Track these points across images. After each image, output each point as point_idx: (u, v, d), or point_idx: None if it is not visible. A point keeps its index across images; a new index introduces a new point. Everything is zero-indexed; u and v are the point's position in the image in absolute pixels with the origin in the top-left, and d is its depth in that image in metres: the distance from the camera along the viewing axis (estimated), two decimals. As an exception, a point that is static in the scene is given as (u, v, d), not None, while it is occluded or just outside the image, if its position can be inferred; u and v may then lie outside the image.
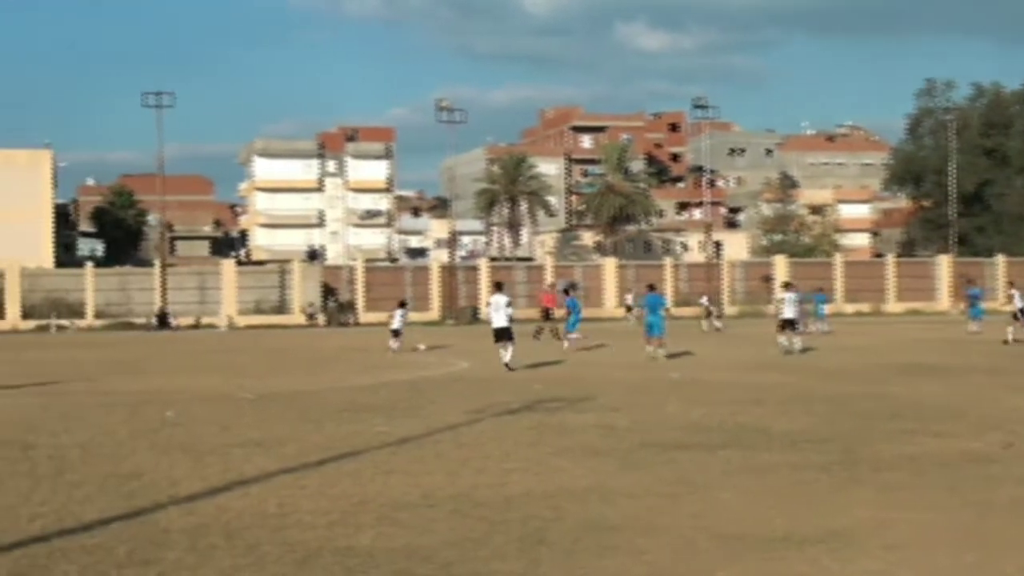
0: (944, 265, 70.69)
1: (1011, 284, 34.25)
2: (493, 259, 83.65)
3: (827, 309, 46.76)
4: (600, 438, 13.72)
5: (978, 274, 71.39)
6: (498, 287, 27.24)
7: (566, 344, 33.23)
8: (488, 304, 26.70)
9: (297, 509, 9.57)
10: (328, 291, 66.05)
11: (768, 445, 12.99)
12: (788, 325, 30.76)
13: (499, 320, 25.48)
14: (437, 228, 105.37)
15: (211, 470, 11.65)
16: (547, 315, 41.61)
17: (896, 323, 52.86)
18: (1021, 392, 19.03)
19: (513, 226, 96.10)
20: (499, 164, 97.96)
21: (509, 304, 25.85)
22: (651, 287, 32.22)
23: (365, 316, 64.25)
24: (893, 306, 68.78)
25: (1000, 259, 73.25)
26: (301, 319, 63.92)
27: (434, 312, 65.35)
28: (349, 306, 65.41)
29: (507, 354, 25.06)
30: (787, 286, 33.01)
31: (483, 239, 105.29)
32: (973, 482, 10.59)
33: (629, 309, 57.67)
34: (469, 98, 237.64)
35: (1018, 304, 31.92)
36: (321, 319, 63.60)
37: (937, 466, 11.48)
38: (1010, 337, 32.27)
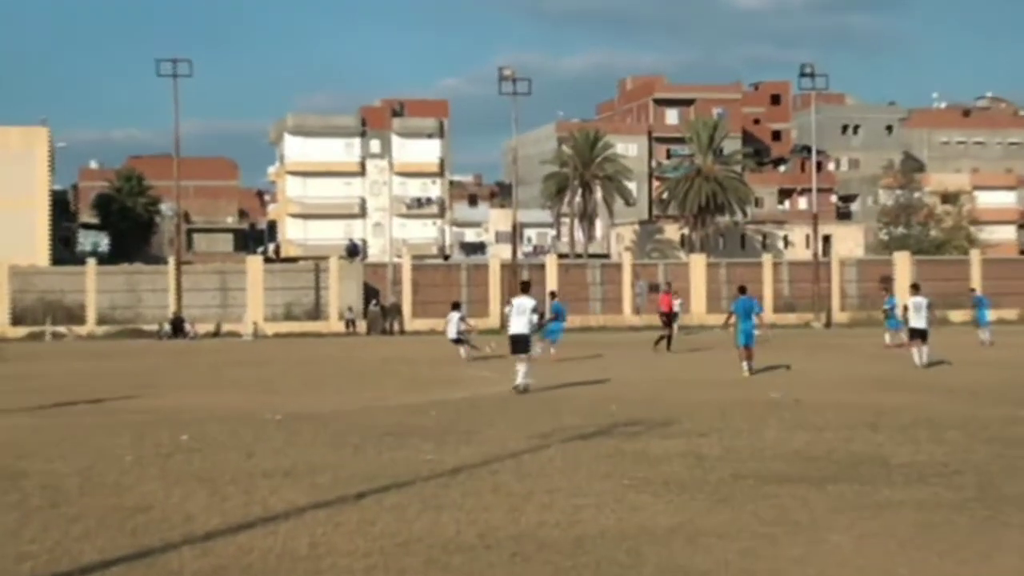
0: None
1: None
2: (562, 256, 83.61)
3: (989, 315, 46.08)
4: (686, 469, 13.63)
5: None
6: (525, 287, 26.35)
7: (539, 349, 32.09)
8: (509, 306, 26.07)
9: (332, 550, 9.61)
10: (370, 293, 66.46)
11: (888, 479, 12.81)
12: (917, 335, 31.05)
13: (518, 326, 24.48)
14: (497, 219, 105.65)
15: (231, 503, 11.73)
16: (667, 321, 41.41)
17: (1044, 333, 51.97)
18: None
19: (586, 217, 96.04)
20: (570, 144, 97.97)
21: (536, 309, 25.03)
22: (742, 289, 32.03)
23: (412, 323, 64.59)
24: (1042, 312, 67.63)
25: None
26: (339, 326, 64.38)
27: (493, 318, 65.43)
28: (394, 310, 65.74)
29: (521, 371, 24.19)
30: (915, 289, 32.83)
31: (551, 232, 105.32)
32: None
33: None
34: (536, 66, 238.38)
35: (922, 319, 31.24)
36: (362, 326, 64.00)
37: (1095, 506, 11.25)
38: None
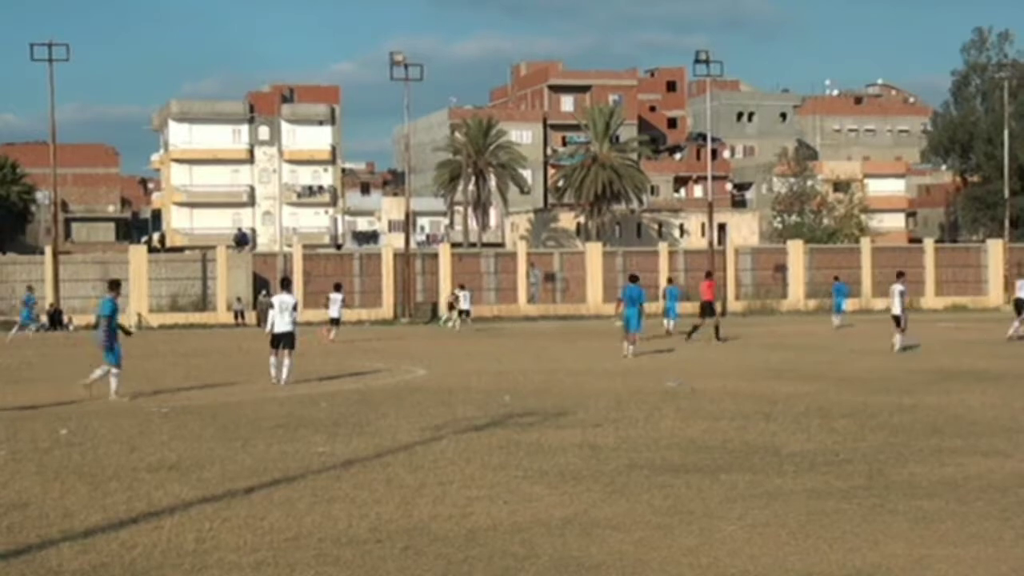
0: (996, 252, 71.02)
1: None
2: (456, 244, 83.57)
3: (847, 305, 48.62)
4: (581, 459, 13.76)
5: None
6: (285, 285, 27.12)
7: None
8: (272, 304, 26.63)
9: (219, 545, 9.55)
10: (260, 284, 65.82)
11: (780, 468, 13.06)
12: (894, 321, 32.28)
13: (281, 324, 24.96)
14: (390, 207, 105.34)
15: (114, 499, 11.60)
16: (707, 310, 39.82)
17: (936, 321, 53.20)
18: (1081, 403, 19.21)
19: (480, 205, 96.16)
20: (464, 131, 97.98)
21: (296, 307, 25.76)
22: (633, 278, 34.11)
23: (304, 313, 64.00)
24: (932, 301, 69.07)
25: (1064, 245, 73.73)
26: (227, 317, 63.67)
27: (386, 308, 65.26)
28: (283, 301, 65.15)
29: (285, 367, 24.53)
30: (900, 276, 34.01)
31: (445, 221, 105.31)
32: (1026, 510, 10.69)
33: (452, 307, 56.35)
34: (429, 51, 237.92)
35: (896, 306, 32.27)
36: (251, 317, 63.37)
37: (985, 491, 11.58)
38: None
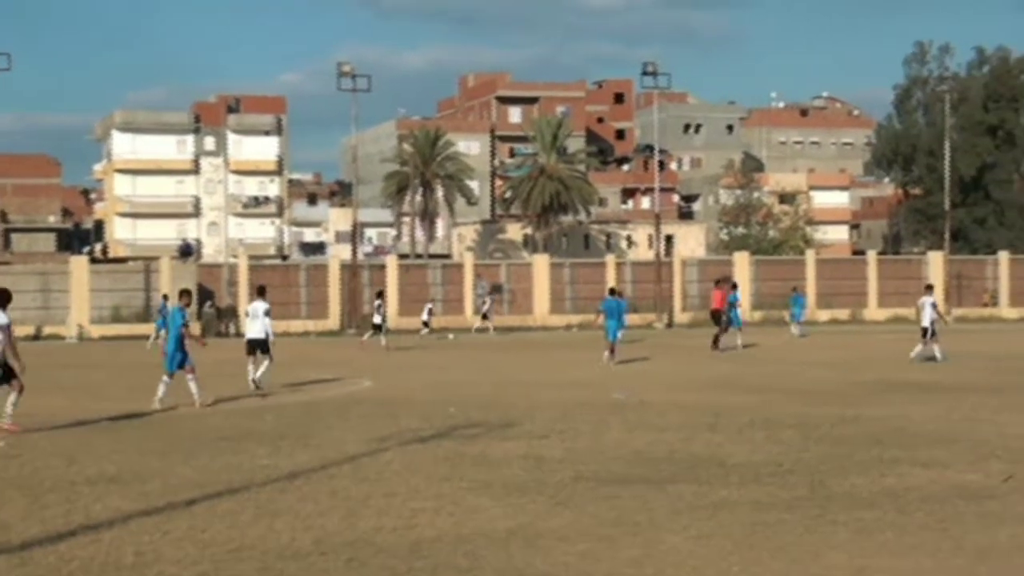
0: (936, 264, 71.76)
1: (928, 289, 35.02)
2: (403, 256, 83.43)
3: (804, 314, 49.57)
4: (526, 471, 13.77)
5: (978, 274, 72.83)
6: (260, 292, 27.21)
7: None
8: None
9: (159, 558, 9.47)
10: (204, 294, 65.35)
11: (725, 479, 13.13)
12: (923, 333, 32.28)
13: (253, 331, 25.86)
14: (337, 219, 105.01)
15: (52, 511, 11.48)
16: (717, 318, 40.18)
17: (878, 332, 53.69)
18: None
19: (427, 216, 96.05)
20: (411, 142, 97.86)
21: (268, 313, 26.12)
22: (612, 291, 36.28)
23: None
24: (875, 312, 69.69)
25: (1003, 257, 74.44)
26: (170, 328, 63.13)
27: (333, 320, 65.01)
28: (230, 312, 64.81)
29: (259, 370, 25.21)
30: (929, 289, 34.55)
31: (392, 232, 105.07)
32: (967, 521, 10.81)
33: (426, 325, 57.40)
34: (376, 62, 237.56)
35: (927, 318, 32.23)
36: (196, 328, 62.93)
37: (924, 502, 11.70)
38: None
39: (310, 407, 21.98)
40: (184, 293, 23.53)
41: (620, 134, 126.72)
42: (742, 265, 69.64)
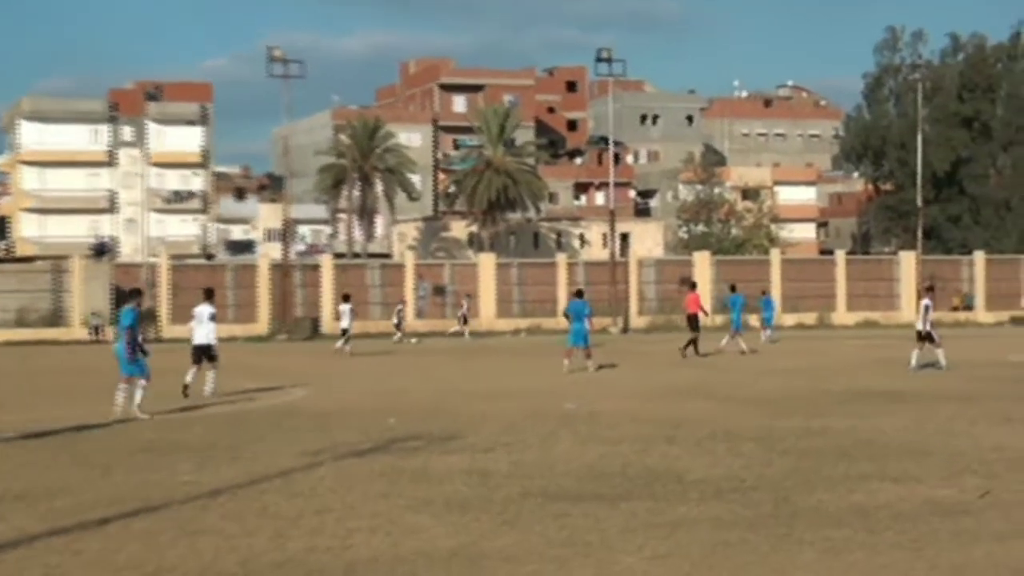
0: (908, 264, 72.50)
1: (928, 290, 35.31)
2: (339, 255, 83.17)
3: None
4: (470, 487, 13.75)
5: (952, 275, 73.62)
6: (208, 295, 27.70)
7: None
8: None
9: (70, 584, 9.37)
10: (121, 297, 64.86)
11: (683, 495, 13.17)
12: (922, 338, 32.38)
13: (200, 336, 26.20)
14: (267, 215, 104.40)
15: (-45, 534, 11.32)
16: (694, 324, 40.33)
17: (847, 337, 54.12)
18: (1001, 425, 19.65)
19: (365, 213, 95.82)
20: (348, 133, 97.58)
21: (214, 317, 26.51)
22: (578, 293, 36.26)
23: (171, 329, 63.30)
24: (843, 316, 70.34)
25: (979, 257, 75.36)
26: (82, 333, 62.69)
27: (262, 324, 64.73)
28: (149, 316, 64.36)
29: (209, 377, 25.93)
30: (929, 291, 34.60)
31: (327, 230, 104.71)
32: (941, 539, 10.89)
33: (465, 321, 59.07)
34: (310, 47, 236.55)
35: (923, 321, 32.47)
36: (110, 333, 62.44)
37: (895, 519, 11.77)
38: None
39: (240, 418, 21.88)
40: (135, 292, 23.63)
41: (572, 125, 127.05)
42: (702, 265, 70.01)
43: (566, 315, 35.73)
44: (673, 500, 12.83)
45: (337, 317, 46.14)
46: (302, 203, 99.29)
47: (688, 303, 41.40)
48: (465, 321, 59.03)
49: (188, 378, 25.61)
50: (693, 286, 44.14)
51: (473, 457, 16.13)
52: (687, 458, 15.96)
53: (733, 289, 44.84)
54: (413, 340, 52.96)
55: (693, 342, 39.27)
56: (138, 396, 21.89)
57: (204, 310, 26.35)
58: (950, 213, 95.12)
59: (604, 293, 66.04)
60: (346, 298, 45.79)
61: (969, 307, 72.41)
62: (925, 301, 32.89)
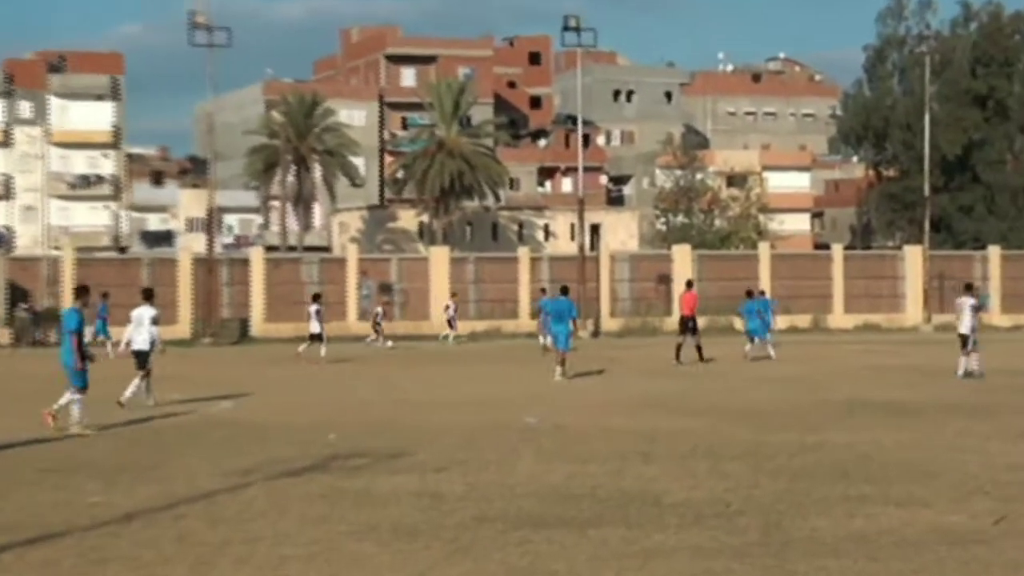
0: (914, 260, 72.70)
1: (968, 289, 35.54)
2: (272, 248, 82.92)
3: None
4: (420, 511, 13.76)
5: (964, 273, 73.79)
6: (146, 296, 28.10)
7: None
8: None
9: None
10: (18, 294, 64.49)
11: (660, 520, 13.20)
12: (963, 341, 32.63)
13: (139, 342, 26.79)
14: (189, 202, 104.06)
15: None
16: (686, 326, 40.32)
17: (845, 342, 54.34)
18: (1017, 442, 19.81)
19: (302, 201, 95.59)
20: (282, 109, 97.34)
21: (156, 320, 27.03)
22: (564, 289, 36.89)
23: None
24: (841, 318, 70.52)
25: (994, 252, 75.51)
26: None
27: (183, 326, 64.45)
28: (50, 316, 63.98)
29: (131, 386, 25.99)
30: (969, 289, 34.93)
31: (258, 219, 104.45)
32: (949, 570, 10.96)
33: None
34: (239, 12, 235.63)
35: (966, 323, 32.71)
36: (6, 335, 62.10)
37: (899, 548, 11.85)
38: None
39: (158, 433, 21.80)
40: (81, 291, 23.49)
41: (536, 102, 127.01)
42: (683, 260, 70.08)
43: (548, 314, 36.34)
44: (649, 526, 12.86)
45: (307, 319, 45.58)
46: (229, 189, 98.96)
47: (684, 303, 41.54)
48: (451, 325, 58.89)
49: (130, 389, 25.74)
50: (690, 284, 44.19)
51: (423, 477, 16.14)
52: (665, 478, 16.00)
53: (750, 295, 44.97)
54: (388, 343, 52.93)
55: (698, 348, 39.58)
56: (75, 410, 21.73)
57: (144, 312, 26.55)
58: (961, 203, 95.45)
59: (572, 292, 65.95)
60: (316, 298, 45.88)
61: (981, 308, 72.41)
62: (970, 300, 33.21)
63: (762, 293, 55.92)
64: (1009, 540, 12.18)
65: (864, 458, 17.76)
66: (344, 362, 42.48)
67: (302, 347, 43.93)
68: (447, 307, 59.68)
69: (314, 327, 43.90)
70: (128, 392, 25.75)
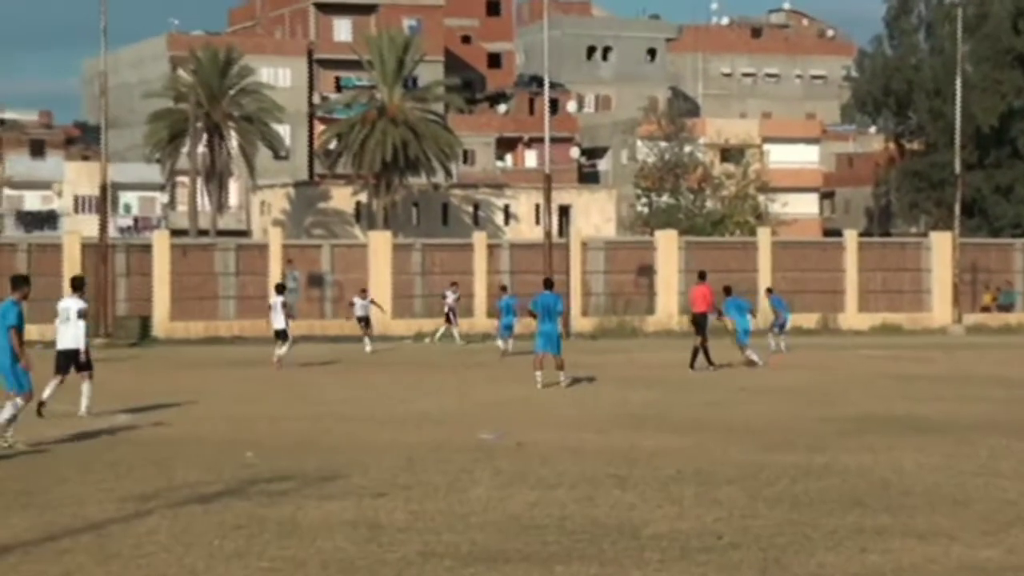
0: (943, 249, 72.79)
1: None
2: (179, 232, 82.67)
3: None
4: (355, 544, 13.78)
5: (1001, 265, 74.07)
6: (75, 285, 28.53)
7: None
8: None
9: None
10: None
11: (639, 555, 13.25)
12: None
13: (65, 340, 26.91)
14: (78, 177, 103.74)
15: None
16: (700, 326, 40.44)
17: (859, 346, 54.48)
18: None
19: (215, 176, 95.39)
20: (190, 68, 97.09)
21: (84, 313, 26.97)
22: (548, 283, 37.91)
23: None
24: (854, 318, 70.66)
25: (1032, 240, 75.94)
26: None
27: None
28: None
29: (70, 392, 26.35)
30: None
31: (162, 198, 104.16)
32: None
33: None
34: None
35: None
36: None
37: (920, 587, 11.91)
38: None
39: (40, 450, 21.72)
40: (19, 281, 23.20)
41: (495, 60, 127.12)
42: (667, 248, 70.08)
43: (531, 312, 36.14)
44: (626, 562, 12.90)
45: (269, 310, 45.14)
46: (128, 162, 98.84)
47: (695, 299, 41.48)
48: (448, 320, 58.31)
49: (47, 392, 25.64)
50: (703, 276, 43.80)
51: (360, 504, 16.15)
52: (645, 507, 16.04)
53: (728, 292, 45.04)
54: (368, 348, 52.46)
55: (704, 351, 39.42)
56: (5, 414, 21.73)
57: (71, 305, 26.45)
58: (998, 182, 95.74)
59: (536, 285, 65.97)
60: (280, 289, 45.74)
61: (1008, 306, 72.48)
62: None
63: (769, 291, 56.15)
64: (1050, 580, 12.28)
65: (881, 483, 17.84)
66: (242, 367, 42.51)
67: (279, 351, 42.91)
68: (444, 296, 58.96)
69: (278, 322, 43.34)
70: (84, 402, 26.00)
